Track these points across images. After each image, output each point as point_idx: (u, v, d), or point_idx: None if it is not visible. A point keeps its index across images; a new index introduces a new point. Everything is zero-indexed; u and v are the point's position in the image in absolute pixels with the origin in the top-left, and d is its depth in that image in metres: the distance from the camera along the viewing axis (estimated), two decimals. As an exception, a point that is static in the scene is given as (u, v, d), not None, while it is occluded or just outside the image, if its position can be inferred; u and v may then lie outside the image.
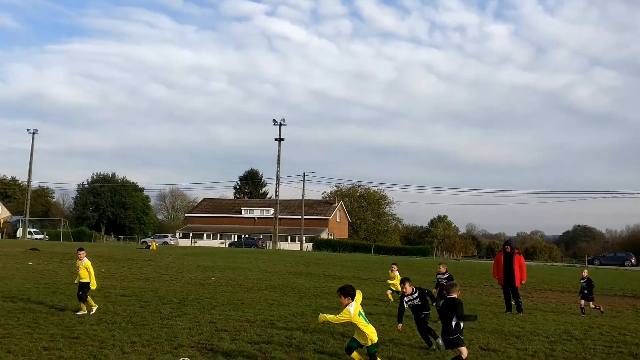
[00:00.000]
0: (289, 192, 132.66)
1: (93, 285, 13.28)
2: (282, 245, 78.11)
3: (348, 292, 8.03)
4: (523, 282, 16.06)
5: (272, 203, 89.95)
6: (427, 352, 10.06)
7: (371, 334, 7.95)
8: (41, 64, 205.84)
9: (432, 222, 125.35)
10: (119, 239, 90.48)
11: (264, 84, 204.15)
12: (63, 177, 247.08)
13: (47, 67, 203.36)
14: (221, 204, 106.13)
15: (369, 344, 7.92)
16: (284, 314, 14.12)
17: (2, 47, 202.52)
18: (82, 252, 13.71)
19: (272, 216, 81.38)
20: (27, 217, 75.07)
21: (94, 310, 12.95)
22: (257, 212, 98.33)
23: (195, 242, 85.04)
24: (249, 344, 10.14)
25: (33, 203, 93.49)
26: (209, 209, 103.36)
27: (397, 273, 17.56)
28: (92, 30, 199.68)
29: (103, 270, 25.01)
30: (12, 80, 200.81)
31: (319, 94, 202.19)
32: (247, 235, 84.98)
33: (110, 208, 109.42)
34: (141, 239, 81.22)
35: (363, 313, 8.07)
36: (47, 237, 78.41)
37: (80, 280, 13.27)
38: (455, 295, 8.73)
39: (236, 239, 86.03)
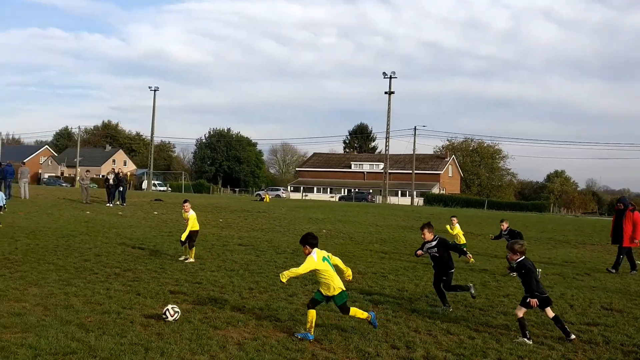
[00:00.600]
0: (399, 146, 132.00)
1: (184, 237, 13.53)
2: (392, 200, 77.93)
3: (306, 241, 7.58)
4: (636, 241, 14.95)
5: (381, 157, 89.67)
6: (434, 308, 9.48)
7: (337, 282, 7.44)
8: (159, 23, 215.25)
9: (549, 177, 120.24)
10: (234, 192, 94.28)
11: (374, 36, 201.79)
12: (182, 132, 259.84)
13: (165, 27, 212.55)
14: (331, 158, 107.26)
15: (335, 293, 7.40)
16: (395, 267, 14.14)
17: (123, 8, 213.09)
18: (187, 204, 14.08)
19: (382, 171, 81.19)
20: (151, 170, 79.74)
21: (191, 260, 13.35)
22: (366, 167, 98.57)
23: (306, 196, 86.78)
24: (360, 294, 10.25)
25: (156, 157, 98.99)
26: (319, 163, 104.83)
27: (457, 226, 16.87)
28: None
29: (221, 220, 26.21)
30: (133, 39, 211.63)
31: (430, 45, 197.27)
32: (356, 190, 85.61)
33: (226, 162, 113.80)
34: (255, 191, 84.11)
35: (330, 260, 7.55)
36: (169, 189, 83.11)
37: (191, 230, 13.63)
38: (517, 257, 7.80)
39: (346, 193, 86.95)
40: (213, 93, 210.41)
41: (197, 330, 7.24)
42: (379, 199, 78.32)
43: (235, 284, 10.74)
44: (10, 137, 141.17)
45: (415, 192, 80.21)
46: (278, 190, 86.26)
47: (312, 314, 7.31)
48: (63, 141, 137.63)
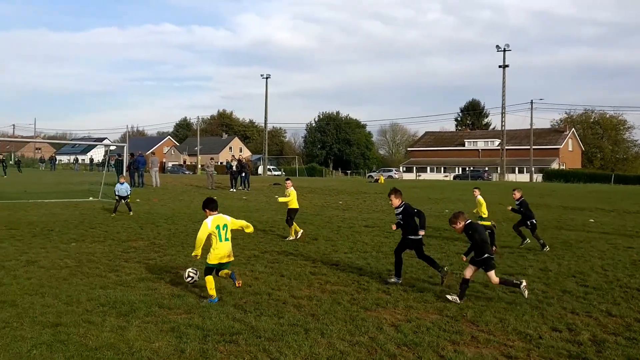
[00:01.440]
0: (514, 121, 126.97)
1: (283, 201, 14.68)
2: (510, 177, 75.24)
3: (206, 205, 8.12)
4: None
5: (496, 134, 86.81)
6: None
7: (213, 253, 7.80)
8: (266, 11, 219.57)
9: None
10: (346, 174, 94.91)
11: (481, 9, 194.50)
12: (292, 117, 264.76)
13: (271, 15, 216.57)
14: (443, 137, 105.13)
15: (207, 261, 7.86)
16: (532, 245, 13.59)
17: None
18: (288, 181, 15.10)
19: (498, 147, 78.59)
20: (266, 155, 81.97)
21: (299, 235, 14.06)
22: (480, 144, 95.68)
23: (419, 176, 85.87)
24: (503, 275, 9.92)
25: (269, 142, 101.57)
26: (431, 142, 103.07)
27: (479, 198, 15.56)
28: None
29: (341, 202, 26.44)
30: (240, 29, 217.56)
31: (541, 14, 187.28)
32: (471, 168, 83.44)
33: (336, 145, 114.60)
34: (367, 173, 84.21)
35: (223, 229, 7.85)
36: (283, 173, 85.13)
37: (289, 207, 14.38)
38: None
39: (460, 172, 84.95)
40: (319, 77, 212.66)
41: (349, 312, 7.31)
42: (495, 176, 75.91)
43: (372, 265, 10.77)
44: (135, 129, 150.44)
45: (533, 168, 76.91)
46: (390, 171, 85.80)
47: (209, 279, 7.81)
48: (182, 131, 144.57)
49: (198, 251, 7.85)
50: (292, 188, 14.67)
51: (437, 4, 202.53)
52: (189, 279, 8.12)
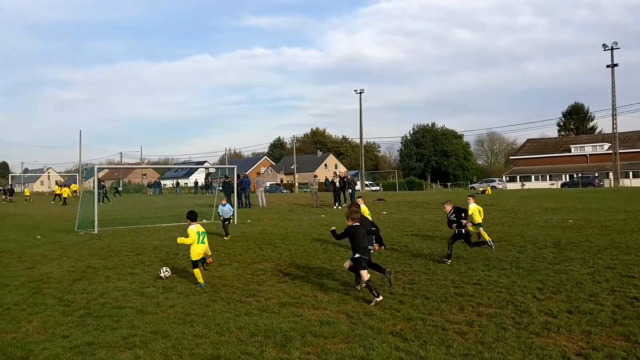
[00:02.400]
0: (624, 123, 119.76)
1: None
2: (625, 182, 70.68)
3: (189, 217, 11.01)
4: None
5: (605, 137, 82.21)
6: None
7: (193, 252, 10.74)
8: (353, 28, 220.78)
9: None
10: (445, 186, 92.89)
11: (577, 8, 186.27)
12: (384, 131, 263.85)
13: (359, 31, 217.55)
14: (546, 143, 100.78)
15: (191, 258, 10.81)
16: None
17: (318, 19, 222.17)
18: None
19: (607, 151, 74.26)
20: (363, 170, 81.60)
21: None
22: (588, 149, 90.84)
23: (523, 185, 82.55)
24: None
25: (364, 158, 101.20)
26: (534, 149, 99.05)
27: (471, 206, 15.15)
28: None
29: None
30: (329, 47, 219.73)
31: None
32: (580, 174, 79.20)
33: (433, 157, 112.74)
34: (468, 185, 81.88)
35: (202, 235, 10.79)
36: (381, 188, 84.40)
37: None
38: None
39: (567, 179, 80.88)
40: (410, 89, 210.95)
41: (520, 338, 6.61)
42: (607, 182, 71.58)
43: (517, 283, 9.94)
44: (232, 151, 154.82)
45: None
46: (493, 181, 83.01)
47: (197, 271, 10.62)
48: (277, 151, 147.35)
49: (184, 241, 10.73)
50: (363, 205, 15.07)
51: (528, 6, 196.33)
52: (163, 274, 11.04)
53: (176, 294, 9.70)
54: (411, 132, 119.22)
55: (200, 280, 10.38)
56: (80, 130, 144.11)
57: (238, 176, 34.05)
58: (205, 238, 10.81)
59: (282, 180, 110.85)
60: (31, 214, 32.41)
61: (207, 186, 75.19)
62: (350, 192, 32.66)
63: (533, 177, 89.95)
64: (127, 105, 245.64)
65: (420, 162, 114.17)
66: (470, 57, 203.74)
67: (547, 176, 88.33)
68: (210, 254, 11.34)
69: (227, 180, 34.37)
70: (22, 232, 21.69)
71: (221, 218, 18.91)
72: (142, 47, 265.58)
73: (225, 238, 18.04)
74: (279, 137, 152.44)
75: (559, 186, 75.85)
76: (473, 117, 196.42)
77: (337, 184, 32.95)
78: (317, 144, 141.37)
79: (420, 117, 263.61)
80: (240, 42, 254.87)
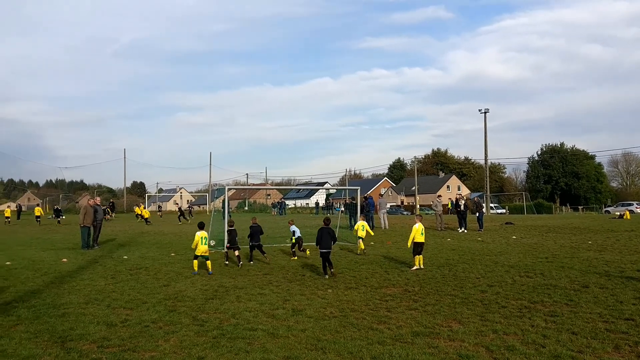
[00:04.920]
0: None
1: None
2: None
3: (198, 226, 16.09)
4: None
5: None
6: None
7: (199, 250, 15.44)
8: (475, 46, 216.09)
9: None
10: (576, 209, 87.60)
11: None
12: (508, 152, 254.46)
13: (481, 49, 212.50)
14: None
15: (195, 253, 15.65)
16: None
17: (438, 39, 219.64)
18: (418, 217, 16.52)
19: None
20: (488, 192, 78.88)
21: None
22: None
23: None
24: None
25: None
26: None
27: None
28: (519, 3, 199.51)
29: (590, 242, 23.69)
30: (450, 67, 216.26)
31: None
32: None
33: (563, 178, 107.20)
34: (602, 208, 76.69)
35: (204, 239, 15.57)
36: (507, 210, 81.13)
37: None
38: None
39: None
40: (535, 107, 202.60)
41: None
42: None
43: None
44: (352, 172, 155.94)
45: None
46: (630, 204, 77.13)
47: (194, 262, 15.64)
48: (397, 172, 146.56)
49: (193, 246, 15.75)
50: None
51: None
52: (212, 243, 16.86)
53: (306, 317, 9.62)
54: (539, 152, 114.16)
55: (195, 268, 15.43)
56: (210, 152, 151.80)
57: (365, 198, 34.02)
58: (206, 241, 15.68)
59: (402, 202, 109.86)
60: (166, 232, 34.18)
61: (328, 207, 76.01)
62: (478, 215, 31.55)
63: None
64: (251, 127, 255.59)
65: (549, 184, 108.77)
66: (601, 72, 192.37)
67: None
68: (207, 254, 15.73)
69: (353, 202, 34.41)
70: (158, 249, 22.86)
71: (292, 239, 19.90)
72: (266, 72, 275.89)
73: (294, 258, 19.10)
74: (399, 158, 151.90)
75: None
76: (605, 137, 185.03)
77: (462, 207, 31.97)
78: (438, 164, 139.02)
79: (547, 136, 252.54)
80: (360, 64, 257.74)
